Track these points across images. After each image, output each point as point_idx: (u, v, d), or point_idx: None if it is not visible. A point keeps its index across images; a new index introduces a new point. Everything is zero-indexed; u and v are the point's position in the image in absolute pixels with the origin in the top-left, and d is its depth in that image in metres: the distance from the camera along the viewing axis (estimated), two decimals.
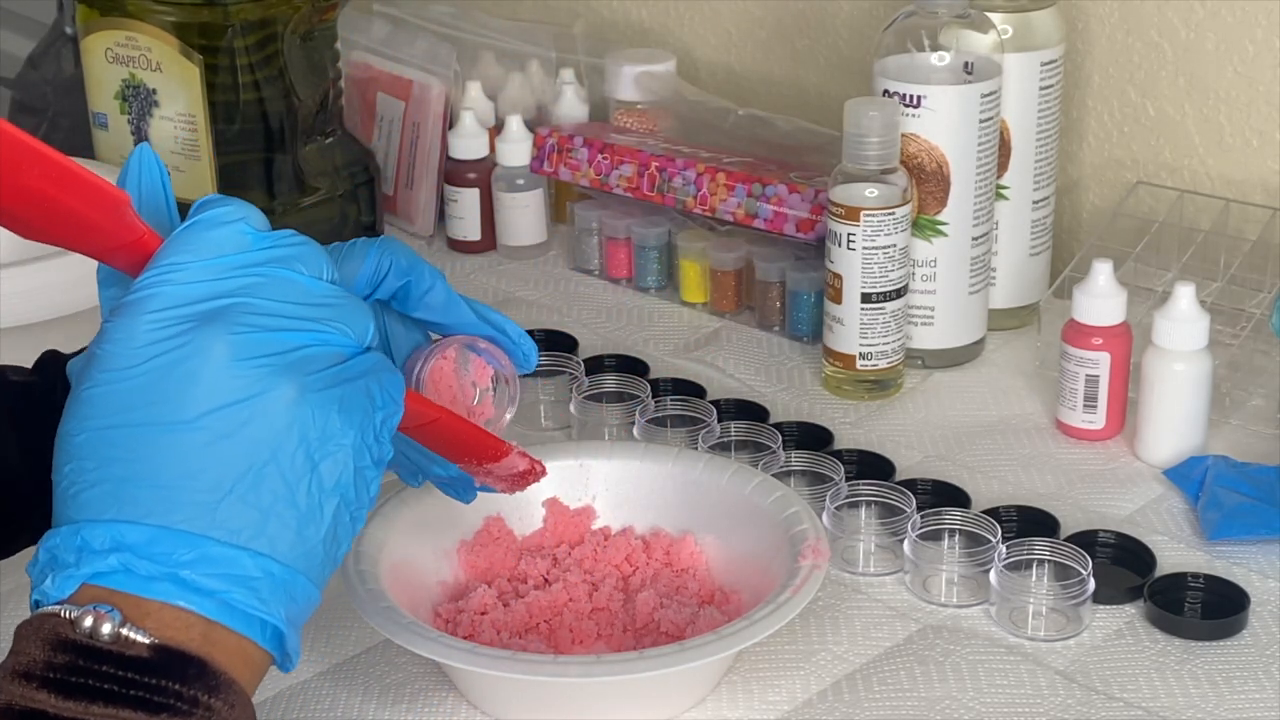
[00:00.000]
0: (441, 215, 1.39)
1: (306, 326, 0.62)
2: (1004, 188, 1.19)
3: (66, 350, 0.80)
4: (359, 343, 0.64)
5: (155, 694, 0.57)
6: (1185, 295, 1.01)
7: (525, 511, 0.92)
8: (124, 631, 0.58)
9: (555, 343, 1.19)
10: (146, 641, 0.58)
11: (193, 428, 0.59)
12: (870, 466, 1.03)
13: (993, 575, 0.90)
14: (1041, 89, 1.18)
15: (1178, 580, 0.92)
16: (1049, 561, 0.91)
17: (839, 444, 1.07)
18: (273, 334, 0.61)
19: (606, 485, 0.93)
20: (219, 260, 0.62)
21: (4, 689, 0.57)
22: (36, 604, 0.60)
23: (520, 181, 1.35)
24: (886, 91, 1.13)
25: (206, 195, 0.64)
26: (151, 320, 0.60)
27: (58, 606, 0.58)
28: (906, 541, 0.93)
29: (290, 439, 0.61)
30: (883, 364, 1.13)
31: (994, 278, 1.21)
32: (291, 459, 0.61)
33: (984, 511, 0.96)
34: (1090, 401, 1.06)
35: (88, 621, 0.57)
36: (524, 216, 1.36)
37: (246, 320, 0.61)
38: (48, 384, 0.80)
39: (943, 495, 1.00)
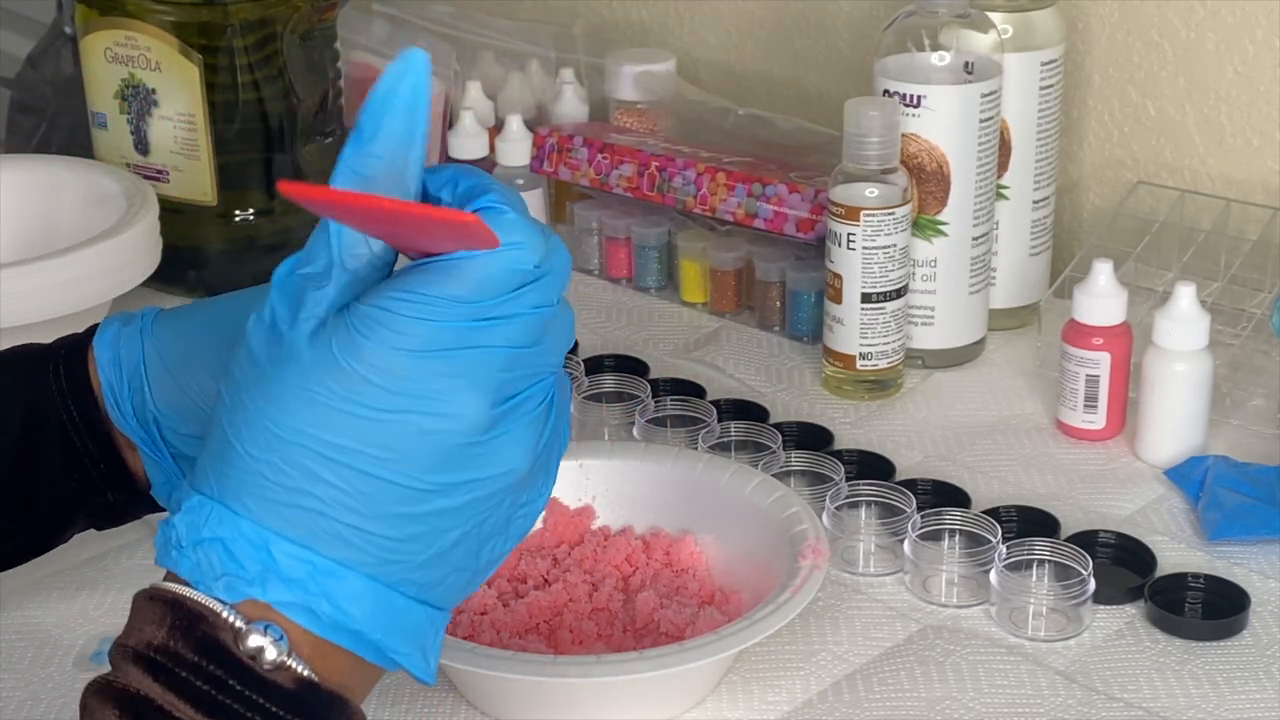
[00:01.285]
0: None
1: (542, 371, 0.58)
2: (1004, 187, 1.19)
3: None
4: (563, 358, 0.60)
5: None
6: (1186, 295, 1.01)
7: None
8: (288, 661, 0.55)
9: None
10: (302, 673, 0.55)
11: (423, 491, 0.56)
12: (870, 466, 1.03)
13: (993, 575, 0.90)
14: (1042, 89, 1.18)
15: (1178, 580, 0.92)
16: (1049, 562, 0.91)
17: (839, 444, 1.07)
18: (521, 395, 0.57)
19: (606, 485, 0.93)
20: (493, 303, 0.56)
21: (134, 677, 0.55)
22: (182, 565, 0.56)
23: (520, 181, 1.35)
24: (887, 91, 1.12)
25: (496, 189, 0.57)
26: (421, 367, 0.55)
27: (222, 607, 0.55)
28: (907, 542, 0.93)
29: (504, 507, 0.59)
30: (883, 364, 1.13)
31: (994, 278, 1.20)
32: (494, 523, 0.59)
33: (984, 512, 0.96)
34: (1091, 401, 1.06)
35: (254, 641, 0.55)
36: None
37: (501, 381, 0.56)
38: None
39: (943, 495, 1.00)
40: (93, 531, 0.79)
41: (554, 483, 0.61)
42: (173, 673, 0.55)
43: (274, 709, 0.55)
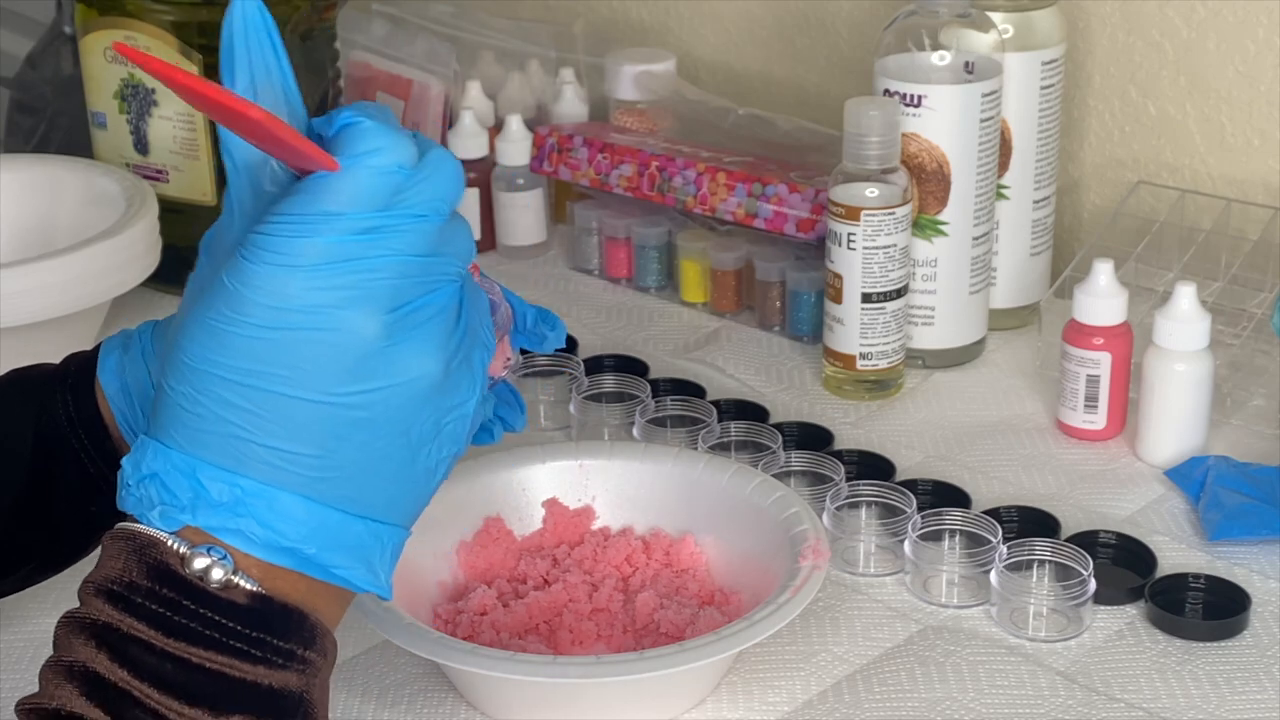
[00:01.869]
0: None
1: (439, 280, 0.60)
2: (1005, 187, 1.19)
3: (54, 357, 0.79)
4: (464, 268, 0.62)
5: (254, 646, 0.57)
6: (1186, 295, 1.01)
7: (525, 512, 0.92)
8: (234, 579, 0.57)
9: None
10: (251, 589, 0.57)
11: (332, 404, 0.58)
12: (870, 467, 1.03)
13: (993, 576, 0.90)
14: (1042, 88, 1.18)
15: (1179, 581, 0.91)
16: (1050, 562, 0.91)
17: (839, 444, 1.07)
18: (416, 304, 0.59)
19: (606, 485, 0.93)
20: (372, 215, 0.58)
21: (95, 606, 0.57)
22: (131, 512, 0.59)
23: (520, 181, 1.35)
24: (887, 91, 1.12)
25: (356, 105, 0.60)
26: (304, 283, 0.57)
27: (167, 535, 0.58)
28: (907, 542, 0.93)
29: (426, 411, 0.60)
30: (883, 364, 1.13)
31: (994, 278, 1.20)
32: (421, 429, 0.60)
33: (984, 512, 0.96)
34: (1091, 402, 1.05)
35: (199, 563, 0.57)
36: (524, 216, 1.36)
37: (391, 291, 0.58)
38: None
39: (943, 496, 1.00)
40: None
41: (481, 384, 0.62)
42: (129, 600, 0.57)
43: (228, 623, 0.57)
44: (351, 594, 0.61)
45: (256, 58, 0.60)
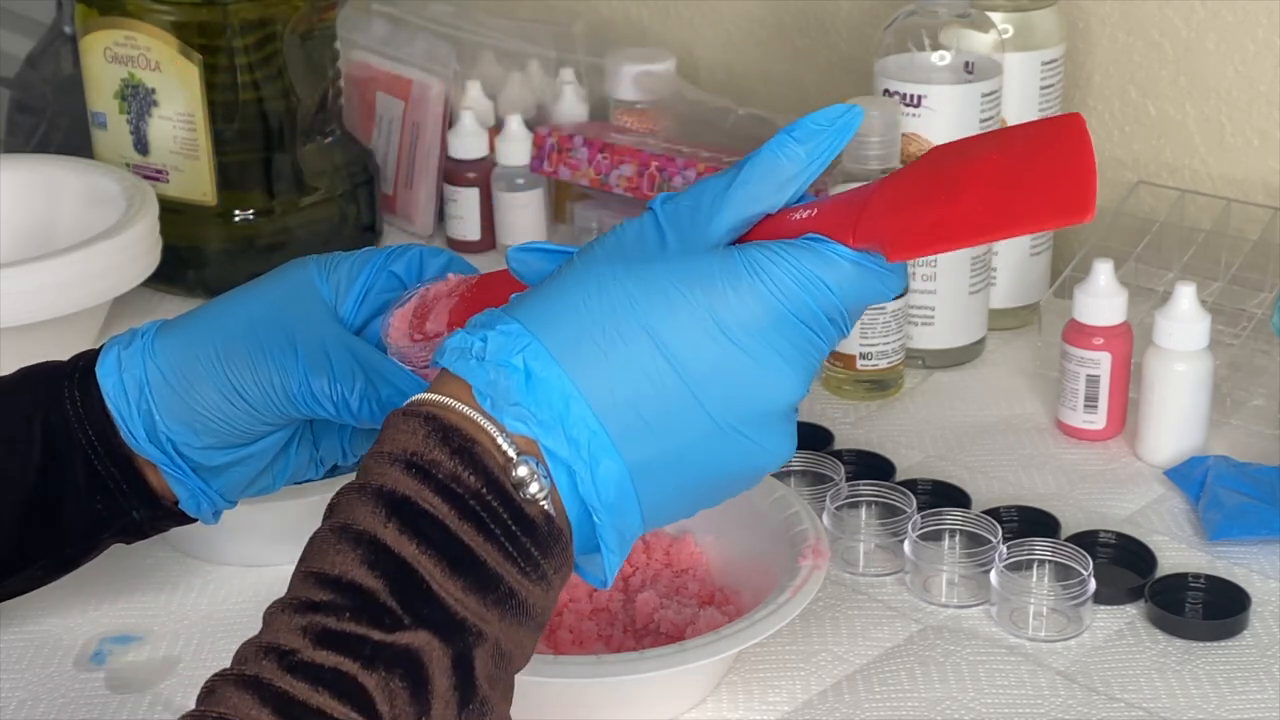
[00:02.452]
0: (441, 215, 1.39)
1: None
2: None
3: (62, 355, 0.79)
4: None
5: (526, 559, 0.57)
6: (1186, 295, 1.01)
7: None
8: (543, 503, 0.58)
9: None
10: (548, 511, 0.58)
11: (720, 430, 0.59)
12: (870, 467, 1.03)
13: (993, 576, 0.90)
14: (1042, 88, 1.18)
15: (1179, 581, 0.91)
16: (1049, 562, 0.91)
17: (839, 444, 1.07)
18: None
19: None
20: (843, 309, 0.60)
21: (391, 476, 0.57)
22: (475, 373, 0.58)
23: (520, 181, 1.35)
24: (887, 91, 1.12)
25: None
26: (775, 321, 0.59)
27: (495, 431, 0.57)
28: (907, 542, 0.93)
29: (748, 483, 0.62)
30: (883, 364, 1.13)
31: (994, 277, 1.20)
32: (731, 491, 0.62)
33: (984, 512, 0.96)
34: (1091, 401, 1.05)
35: (522, 470, 0.57)
36: (524, 216, 1.36)
37: (810, 376, 0.61)
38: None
39: (943, 495, 1.00)
40: None
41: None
42: (430, 474, 0.57)
43: (516, 529, 0.57)
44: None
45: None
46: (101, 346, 0.76)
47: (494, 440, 0.57)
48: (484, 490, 0.57)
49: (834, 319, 0.60)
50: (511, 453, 0.57)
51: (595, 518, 0.59)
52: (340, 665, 0.54)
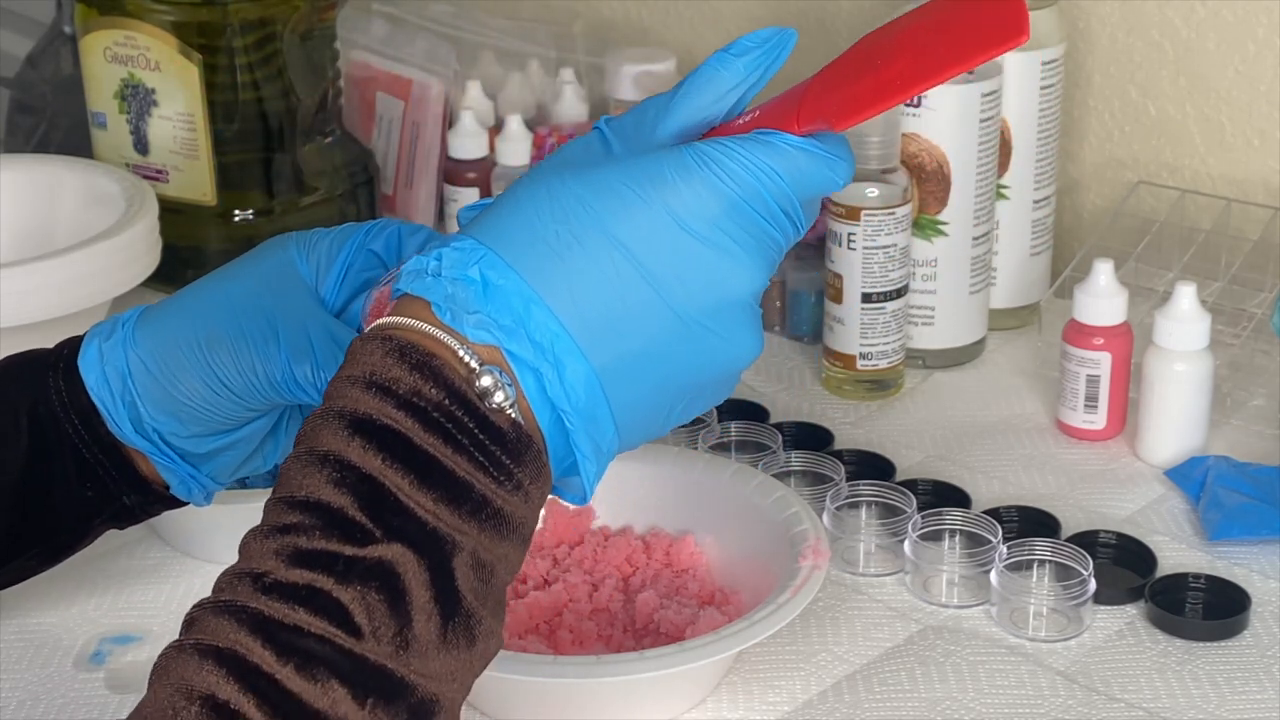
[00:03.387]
0: (441, 215, 1.39)
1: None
2: (1004, 187, 1.19)
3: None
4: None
5: (497, 468, 0.57)
6: (1186, 295, 1.01)
7: None
8: (509, 411, 0.57)
9: None
10: (515, 419, 0.57)
11: (681, 322, 0.59)
12: (870, 467, 1.03)
13: (993, 576, 0.90)
14: (1042, 88, 1.18)
15: (1179, 581, 0.91)
16: (1050, 562, 0.91)
17: (839, 444, 1.07)
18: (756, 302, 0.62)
19: (606, 485, 0.92)
20: (797, 199, 0.61)
21: (351, 396, 0.57)
22: (433, 288, 0.58)
23: None
24: None
25: None
26: (728, 210, 0.59)
27: (456, 344, 0.57)
28: (907, 542, 0.93)
29: (720, 384, 0.62)
30: (883, 364, 1.13)
31: (994, 277, 1.20)
32: (705, 394, 0.62)
33: (984, 512, 0.96)
34: (1091, 401, 1.05)
35: (486, 381, 0.57)
36: None
37: (772, 266, 0.61)
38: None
39: (943, 495, 1.00)
40: None
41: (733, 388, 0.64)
42: (391, 391, 0.56)
43: (484, 438, 0.57)
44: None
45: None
46: (85, 335, 0.75)
47: (455, 353, 0.57)
48: (447, 402, 0.56)
49: (786, 210, 0.60)
50: (474, 363, 0.57)
51: (567, 422, 0.59)
52: (314, 582, 0.54)
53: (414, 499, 0.55)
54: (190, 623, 0.55)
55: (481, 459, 0.57)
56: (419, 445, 0.56)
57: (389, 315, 0.59)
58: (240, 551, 0.56)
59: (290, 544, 0.55)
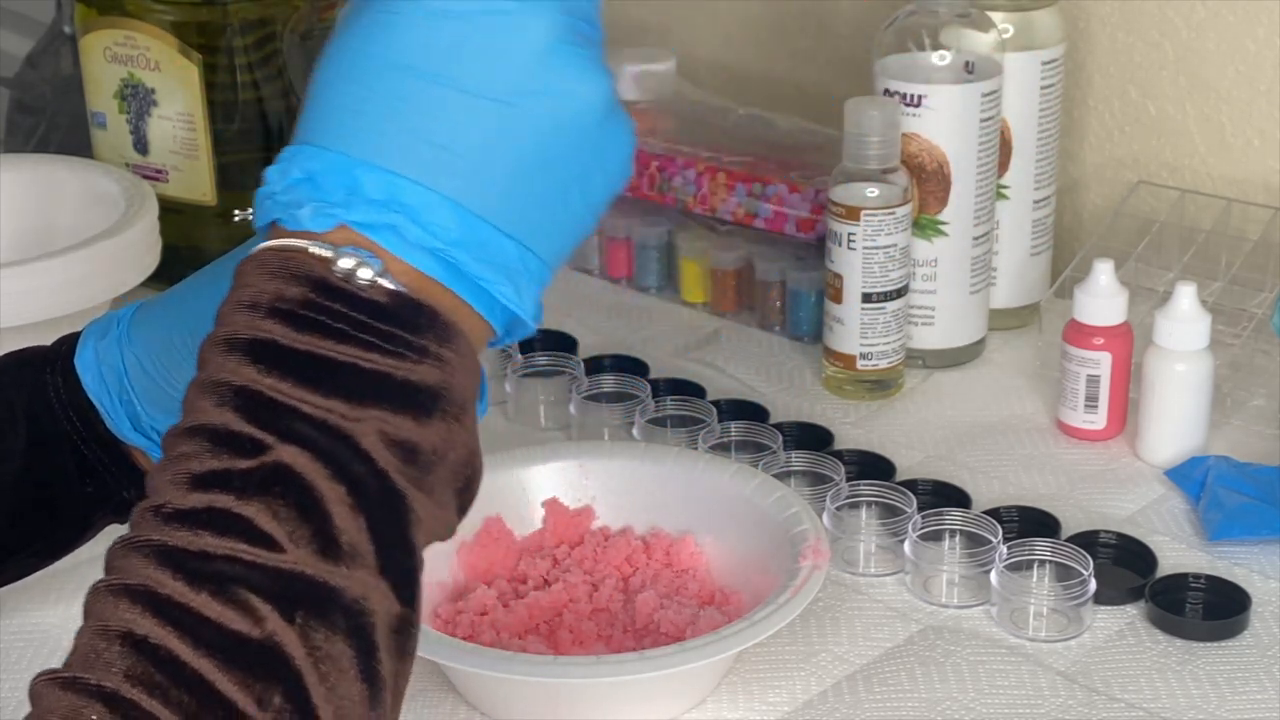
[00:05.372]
0: None
1: (600, 29, 0.60)
2: (1005, 187, 1.19)
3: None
4: None
5: (386, 340, 0.55)
6: (1186, 295, 1.01)
7: (525, 512, 0.92)
8: (381, 280, 0.55)
9: (554, 343, 1.19)
10: (393, 288, 0.56)
11: (499, 102, 0.57)
12: (870, 467, 1.03)
13: (994, 576, 0.90)
14: (1042, 88, 1.18)
15: (1179, 581, 0.91)
16: (1050, 562, 0.91)
17: (839, 444, 1.07)
18: (584, 23, 0.59)
19: (606, 485, 0.93)
20: None
21: (228, 321, 0.55)
22: (268, 224, 0.57)
23: None
24: (887, 91, 1.12)
25: None
26: None
27: (306, 242, 0.56)
28: (907, 542, 0.93)
29: (595, 138, 0.59)
30: (883, 364, 1.12)
31: (995, 277, 1.20)
32: (590, 157, 0.59)
33: (985, 512, 0.96)
34: (1091, 402, 1.05)
35: (347, 262, 0.55)
36: None
37: (563, 17, 0.58)
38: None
39: (943, 495, 1.00)
40: None
41: (632, 139, 0.61)
42: (257, 305, 0.55)
43: (361, 317, 0.55)
44: (487, 335, 0.60)
45: None
46: (81, 332, 0.75)
47: (306, 250, 0.56)
48: (314, 296, 0.55)
49: None
50: (327, 252, 0.55)
51: (451, 259, 0.57)
52: (214, 503, 0.52)
53: (298, 398, 0.54)
54: (107, 565, 0.54)
55: (369, 338, 0.55)
56: (290, 346, 0.54)
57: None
58: (146, 491, 0.55)
59: (183, 470, 0.53)
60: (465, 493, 0.58)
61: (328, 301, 0.55)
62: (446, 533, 0.57)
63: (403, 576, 0.54)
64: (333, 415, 0.53)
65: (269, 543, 0.51)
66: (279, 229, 0.57)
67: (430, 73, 0.56)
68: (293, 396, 0.54)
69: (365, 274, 0.55)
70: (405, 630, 0.54)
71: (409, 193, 0.56)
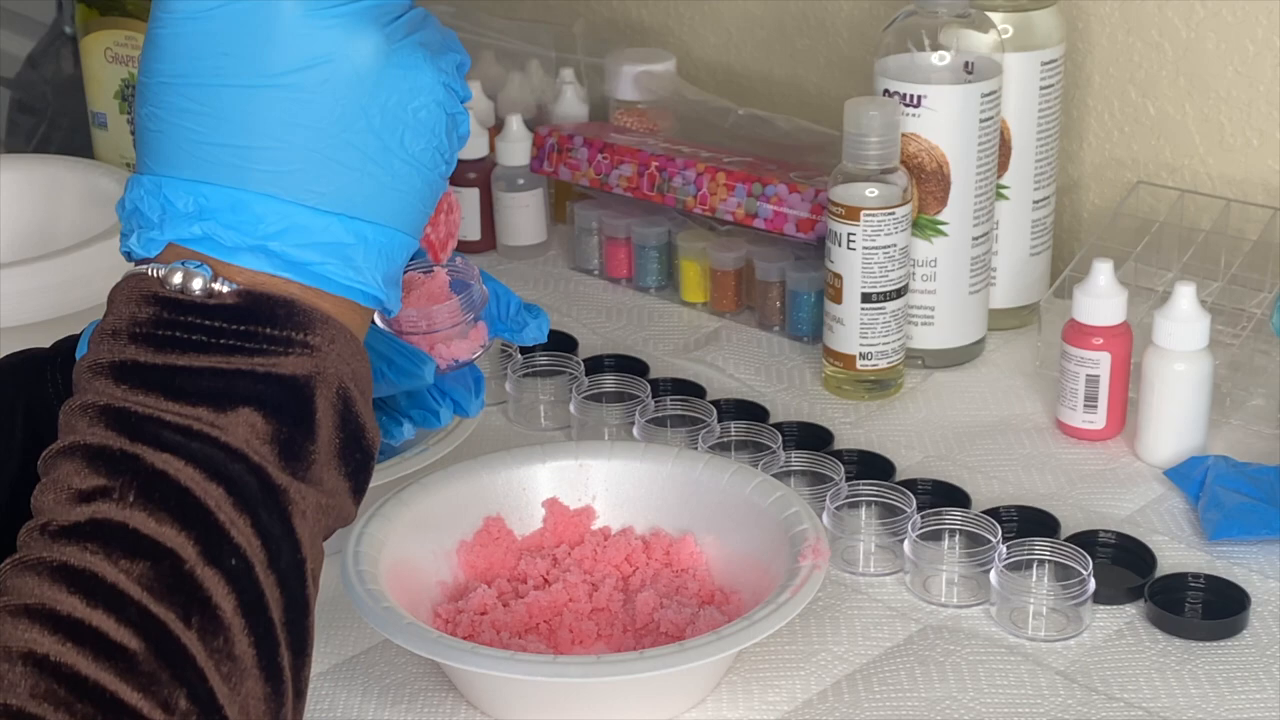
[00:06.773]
0: None
1: None
2: (1004, 187, 1.19)
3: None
4: None
5: (244, 339, 0.56)
6: (1186, 295, 1.01)
7: (525, 511, 0.92)
8: (215, 286, 0.57)
9: (555, 343, 1.19)
10: (234, 289, 0.57)
11: (273, 86, 0.57)
12: (870, 466, 1.03)
13: (993, 575, 0.90)
14: (1042, 88, 1.18)
15: (1178, 580, 0.92)
16: (1049, 562, 0.91)
17: (839, 444, 1.07)
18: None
19: (606, 485, 0.93)
20: None
21: (95, 348, 0.57)
22: (128, 255, 0.60)
23: (520, 181, 1.35)
24: (887, 91, 1.12)
25: None
26: None
27: (145, 266, 0.58)
28: (907, 542, 0.93)
29: (380, 92, 0.58)
30: (883, 364, 1.13)
31: (994, 277, 1.20)
32: (383, 113, 0.59)
33: (984, 511, 0.96)
34: (1091, 401, 1.06)
35: (176, 279, 0.57)
36: (524, 216, 1.36)
37: None
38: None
39: (943, 495, 1.00)
40: None
41: (447, 70, 0.61)
42: (118, 331, 0.57)
43: (213, 323, 0.57)
44: (362, 306, 0.60)
45: None
46: (80, 333, 0.75)
47: (145, 273, 0.58)
48: (165, 314, 0.57)
49: None
50: (159, 271, 0.58)
51: (278, 248, 0.57)
52: (97, 514, 0.54)
53: (163, 409, 0.55)
54: (0, 587, 0.54)
55: (229, 342, 0.56)
56: (150, 364, 0.56)
57: None
58: (32, 511, 0.56)
59: (65, 487, 0.55)
60: (359, 475, 0.59)
61: (180, 316, 0.57)
62: (345, 519, 0.58)
63: (292, 570, 0.56)
64: (199, 421, 0.55)
65: (155, 548, 0.53)
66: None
67: (202, 76, 0.57)
68: (157, 408, 0.55)
69: (197, 284, 0.57)
70: (300, 624, 0.56)
71: (214, 197, 0.57)
